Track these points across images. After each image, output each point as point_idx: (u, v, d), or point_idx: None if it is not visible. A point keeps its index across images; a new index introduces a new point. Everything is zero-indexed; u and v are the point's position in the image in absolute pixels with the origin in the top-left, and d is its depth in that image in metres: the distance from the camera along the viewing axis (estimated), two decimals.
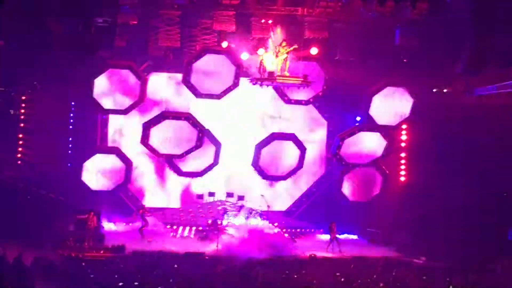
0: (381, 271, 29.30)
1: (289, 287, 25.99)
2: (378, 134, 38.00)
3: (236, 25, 35.36)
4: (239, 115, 39.63)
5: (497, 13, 32.30)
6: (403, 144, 39.65)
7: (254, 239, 34.66)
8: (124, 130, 38.56)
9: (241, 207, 37.56)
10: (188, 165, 38.05)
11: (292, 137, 38.55)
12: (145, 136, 36.53)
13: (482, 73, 34.39)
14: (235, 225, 36.15)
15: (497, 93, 34.97)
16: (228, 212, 36.78)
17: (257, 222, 36.74)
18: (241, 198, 38.67)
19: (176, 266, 28.57)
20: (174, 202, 39.47)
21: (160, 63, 37.31)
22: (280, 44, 34.00)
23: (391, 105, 37.97)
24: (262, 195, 38.13)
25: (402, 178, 39.52)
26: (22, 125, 36.88)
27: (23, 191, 34.80)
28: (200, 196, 38.84)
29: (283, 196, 40.54)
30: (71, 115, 37.96)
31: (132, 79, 36.24)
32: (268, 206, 37.70)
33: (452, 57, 34.81)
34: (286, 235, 36.37)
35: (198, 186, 39.25)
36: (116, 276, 26.12)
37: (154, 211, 37.73)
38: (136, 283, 25.00)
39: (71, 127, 37.97)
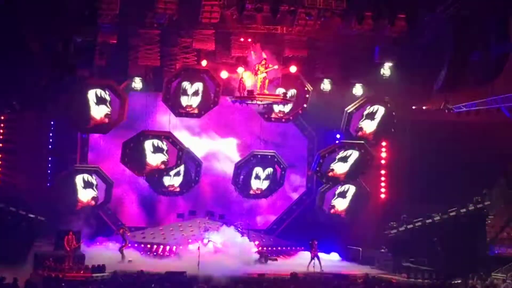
0: None
1: None
2: (358, 151, 38.05)
3: (215, 44, 35.43)
4: (219, 133, 39.72)
5: (475, 30, 32.58)
6: (383, 162, 39.79)
7: (234, 257, 34.71)
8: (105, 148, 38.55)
9: (222, 225, 37.48)
10: (169, 184, 37.88)
11: (272, 155, 38.54)
12: (125, 155, 36.40)
13: (461, 90, 34.62)
14: (216, 244, 36.10)
15: (476, 110, 35.19)
16: (209, 231, 36.70)
17: (238, 240, 36.64)
18: (222, 216, 38.61)
19: (157, 285, 28.43)
20: (155, 221, 39.33)
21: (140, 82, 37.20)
22: (260, 63, 34.09)
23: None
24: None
25: (383, 195, 39.62)
26: (1, 145, 36.74)
27: (3, 212, 34.53)
28: (181, 215, 38.73)
29: (264, 213, 40.52)
30: (51, 134, 37.85)
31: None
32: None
33: (431, 74, 34.99)
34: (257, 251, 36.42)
35: (179, 204, 39.18)
36: None
37: (135, 230, 37.63)
38: None
39: (50, 146, 37.84)
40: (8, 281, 27.04)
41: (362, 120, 37.91)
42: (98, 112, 35.66)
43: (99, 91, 35.49)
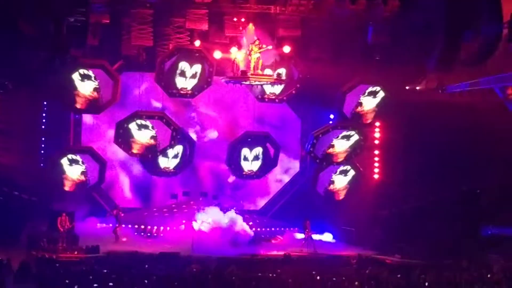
0: (356, 269, 29.38)
1: (264, 286, 25.94)
2: (351, 131, 38.06)
3: (208, 24, 35.29)
4: (213, 113, 39.65)
5: (468, 11, 32.48)
6: (376, 142, 39.81)
7: (225, 237, 34.78)
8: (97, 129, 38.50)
9: (215, 206, 37.49)
10: (162, 165, 37.81)
11: (266, 135, 38.51)
12: (118, 135, 36.33)
13: (454, 70, 34.57)
14: (209, 224, 36.12)
15: (469, 90, 35.16)
16: (202, 211, 36.70)
17: (231, 221, 36.64)
18: (215, 197, 38.62)
19: (150, 266, 28.49)
20: (148, 202, 39.31)
21: (133, 62, 37.12)
22: (253, 43, 33.97)
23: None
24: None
25: (376, 176, 39.66)
26: None
27: None
28: (175, 196, 38.71)
29: (258, 194, 40.52)
30: (44, 115, 37.74)
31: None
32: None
33: (424, 55, 34.91)
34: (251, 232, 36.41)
35: (173, 185, 39.15)
36: (90, 277, 25.97)
37: (128, 211, 37.62)
38: (110, 284, 24.86)
39: (43, 127, 37.73)
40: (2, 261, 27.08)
41: (364, 95, 37.88)
42: (86, 87, 35.42)
43: (81, 70, 35.33)
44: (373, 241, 36.58)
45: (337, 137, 37.93)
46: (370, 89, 37.82)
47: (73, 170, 35.98)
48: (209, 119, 39.78)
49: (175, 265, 29.12)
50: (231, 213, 36.98)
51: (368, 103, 38.06)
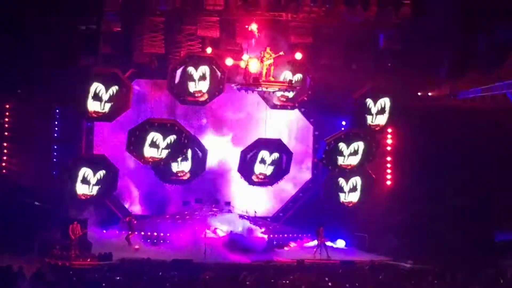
0: (369, 275, 29.34)
1: None
2: (363, 139, 37.98)
3: (220, 31, 35.38)
4: (225, 120, 39.67)
5: (479, 17, 32.50)
6: (388, 148, 39.71)
7: (238, 244, 34.75)
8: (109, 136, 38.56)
9: (228, 213, 37.50)
10: (177, 170, 37.76)
11: (278, 143, 38.46)
12: (130, 143, 36.34)
13: (466, 77, 34.54)
14: (222, 231, 36.12)
15: (481, 96, 35.10)
16: (214, 218, 36.71)
17: (244, 228, 36.64)
18: (227, 204, 38.62)
19: (163, 273, 28.51)
20: (161, 209, 39.29)
21: (144, 70, 37.21)
22: (265, 49, 34.00)
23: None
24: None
25: (388, 182, 39.54)
26: (6, 133, 36.74)
27: (9, 200, 34.61)
28: (187, 203, 38.69)
29: (270, 201, 40.46)
30: (56, 122, 37.81)
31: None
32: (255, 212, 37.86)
33: (436, 61, 34.91)
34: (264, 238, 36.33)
35: (185, 192, 39.13)
36: (103, 284, 26.01)
37: (141, 218, 37.62)
38: None
39: (56, 134, 37.80)
40: (14, 269, 27.11)
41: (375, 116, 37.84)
42: (92, 106, 35.45)
43: (99, 88, 35.21)
44: (386, 247, 36.50)
45: (344, 156, 37.72)
46: (376, 107, 37.57)
47: (81, 188, 35.80)
48: (220, 125, 39.74)
49: (188, 272, 29.13)
50: (244, 220, 37.01)
51: (381, 120, 37.98)
